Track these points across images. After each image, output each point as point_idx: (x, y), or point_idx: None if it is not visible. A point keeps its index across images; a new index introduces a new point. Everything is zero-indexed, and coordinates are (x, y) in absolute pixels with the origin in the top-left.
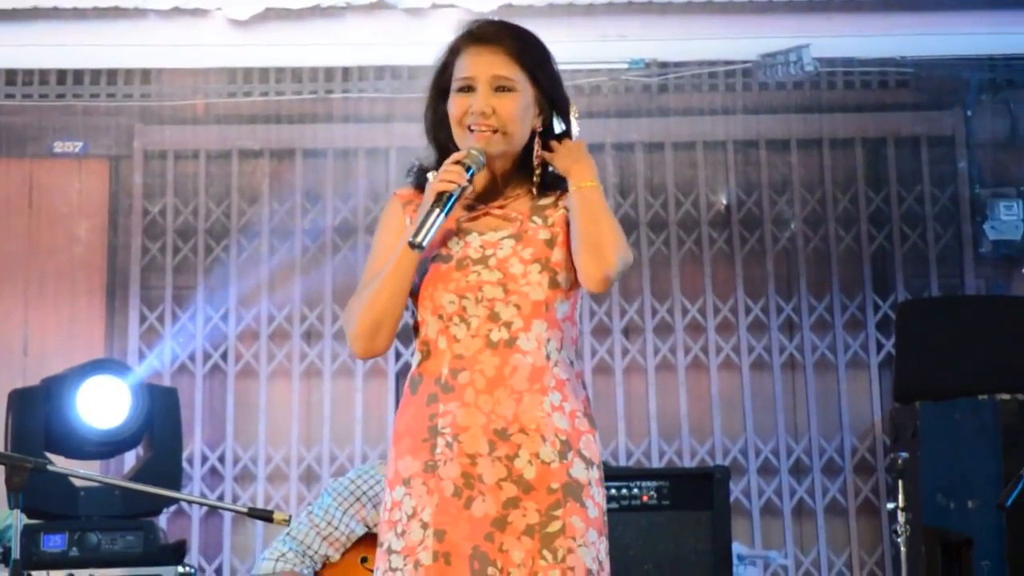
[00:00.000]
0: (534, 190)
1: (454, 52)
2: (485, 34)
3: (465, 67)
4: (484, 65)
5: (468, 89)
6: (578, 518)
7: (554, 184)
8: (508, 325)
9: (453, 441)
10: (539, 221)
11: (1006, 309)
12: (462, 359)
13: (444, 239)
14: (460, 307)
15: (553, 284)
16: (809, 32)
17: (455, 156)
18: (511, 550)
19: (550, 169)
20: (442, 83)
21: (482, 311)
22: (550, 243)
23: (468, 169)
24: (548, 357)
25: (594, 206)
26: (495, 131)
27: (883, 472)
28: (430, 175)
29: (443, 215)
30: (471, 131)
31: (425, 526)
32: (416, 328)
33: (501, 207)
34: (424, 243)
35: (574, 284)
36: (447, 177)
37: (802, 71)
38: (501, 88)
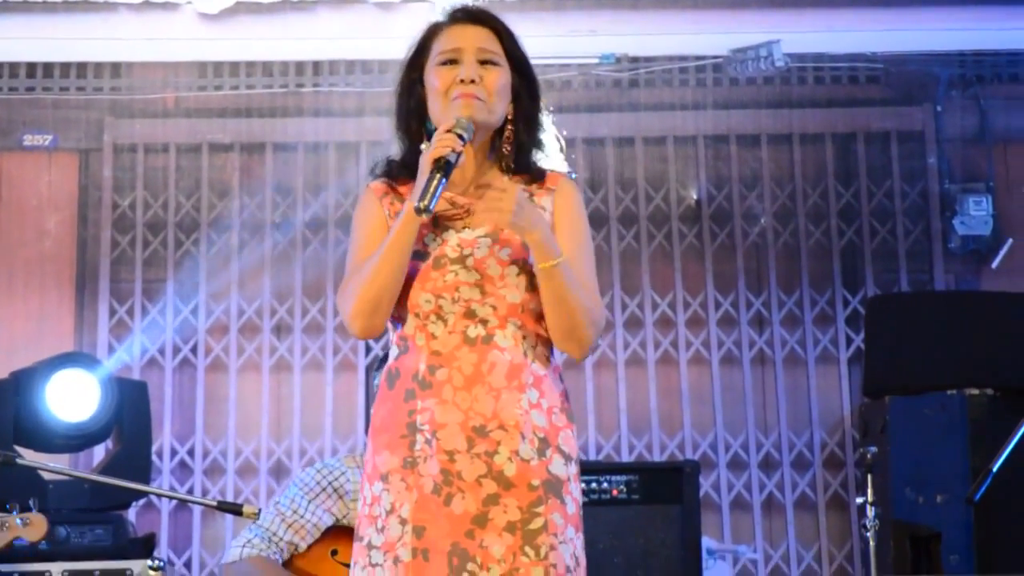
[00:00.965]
0: (506, 177)
1: (433, 32)
2: (468, 12)
3: (450, 40)
4: (470, 37)
5: (453, 62)
6: (559, 515)
7: (527, 169)
8: (484, 322)
9: (432, 438)
10: None
11: (975, 304)
12: (439, 356)
13: (422, 234)
14: (436, 306)
15: (531, 287)
16: (779, 27)
17: (445, 126)
18: (491, 546)
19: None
20: (419, 63)
21: (458, 309)
22: (526, 244)
23: (460, 137)
24: (525, 354)
25: (559, 288)
26: (479, 98)
27: (852, 466)
28: (423, 147)
29: (445, 180)
30: (455, 100)
31: (404, 522)
32: (394, 321)
33: (479, 200)
34: (431, 207)
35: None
36: (443, 143)
37: (772, 66)
38: (487, 61)
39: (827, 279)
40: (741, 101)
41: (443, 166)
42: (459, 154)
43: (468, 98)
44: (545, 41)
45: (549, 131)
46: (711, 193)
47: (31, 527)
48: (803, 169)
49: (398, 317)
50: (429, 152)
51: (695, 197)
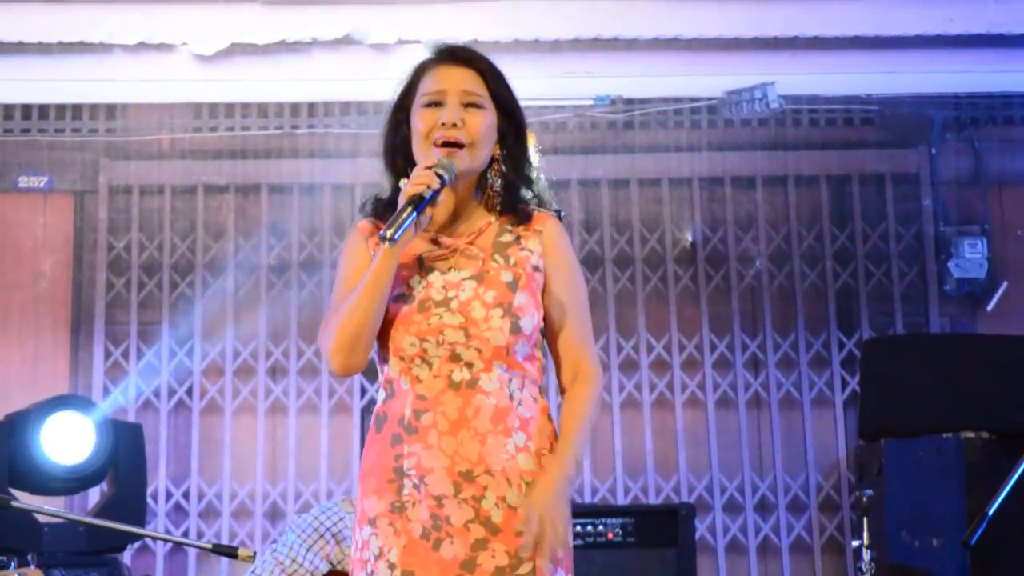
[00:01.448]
0: (492, 218)
1: (420, 72)
2: (454, 54)
3: (434, 82)
4: (455, 80)
5: (437, 104)
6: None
7: (512, 210)
8: (469, 366)
9: (420, 483)
10: (501, 261)
11: (970, 347)
12: (425, 400)
13: (406, 276)
14: (421, 349)
15: (515, 329)
16: (774, 69)
17: (425, 163)
18: None
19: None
20: (406, 103)
21: (443, 352)
22: (512, 286)
23: (440, 177)
24: (511, 397)
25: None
26: (462, 146)
27: (848, 509)
28: (402, 183)
29: (415, 214)
30: (437, 147)
31: (392, 567)
32: (381, 364)
33: (465, 243)
34: (397, 236)
35: (536, 327)
36: (420, 180)
37: (767, 108)
38: (470, 104)
39: (822, 321)
40: (736, 143)
41: (416, 201)
42: (436, 191)
43: (449, 142)
44: (540, 82)
45: (539, 170)
46: (706, 235)
47: None
48: (798, 211)
49: (384, 359)
50: (407, 188)
51: (690, 239)
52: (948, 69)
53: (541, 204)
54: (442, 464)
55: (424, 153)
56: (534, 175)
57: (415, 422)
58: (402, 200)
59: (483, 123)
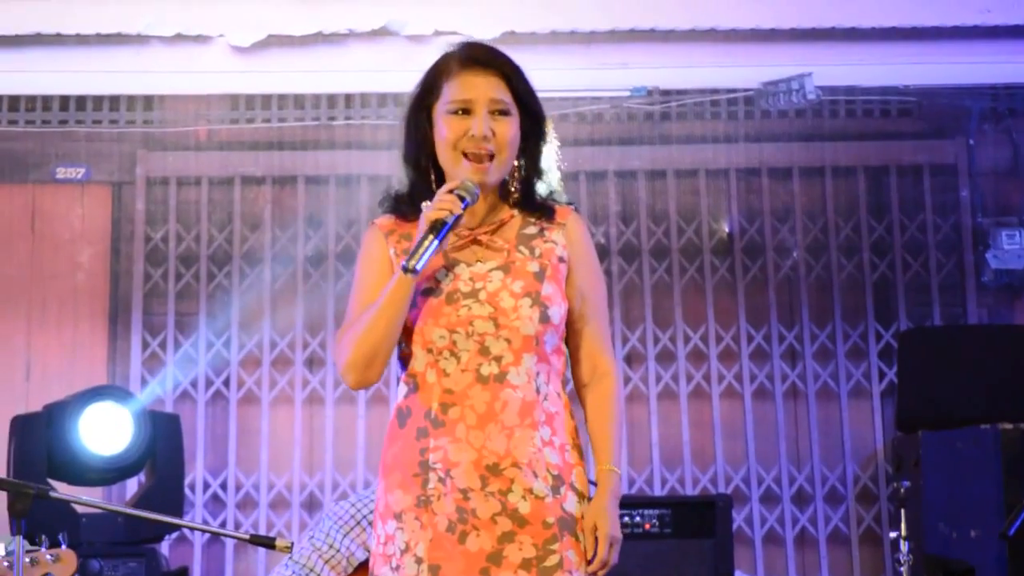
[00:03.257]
0: (515, 211)
1: (443, 74)
2: (478, 57)
3: (461, 89)
4: (482, 88)
5: (464, 112)
6: (573, 552)
7: (534, 206)
8: (498, 359)
9: (446, 476)
10: (526, 252)
11: (1008, 338)
12: (452, 394)
13: (432, 271)
14: (451, 342)
15: (544, 318)
16: (811, 60)
17: (449, 186)
18: None
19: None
20: (427, 103)
21: (472, 345)
22: (539, 276)
23: (462, 200)
24: (538, 391)
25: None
26: (491, 157)
27: (885, 501)
28: (424, 205)
29: (437, 241)
30: (466, 157)
31: (419, 561)
32: (402, 359)
33: (487, 234)
34: (419, 267)
35: (563, 317)
36: (442, 206)
37: (804, 99)
38: (498, 111)
39: (860, 312)
40: (773, 134)
41: (439, 227)
42: (457, 216)
43: (480, 154)
44: (576, 74)
45: (552, 162)
46: (743, 226)
47: (61, 563)
48: (835, 202)
49: (407, 354)
50: (428, 211)
51: (727, 230)
52: (986, 60)
53: (552, 197)
54: (469, 458)
55: (451, 160)
56: (550, 169)
57: (442, 416)
58: (423, 224)
59: (511, 131)
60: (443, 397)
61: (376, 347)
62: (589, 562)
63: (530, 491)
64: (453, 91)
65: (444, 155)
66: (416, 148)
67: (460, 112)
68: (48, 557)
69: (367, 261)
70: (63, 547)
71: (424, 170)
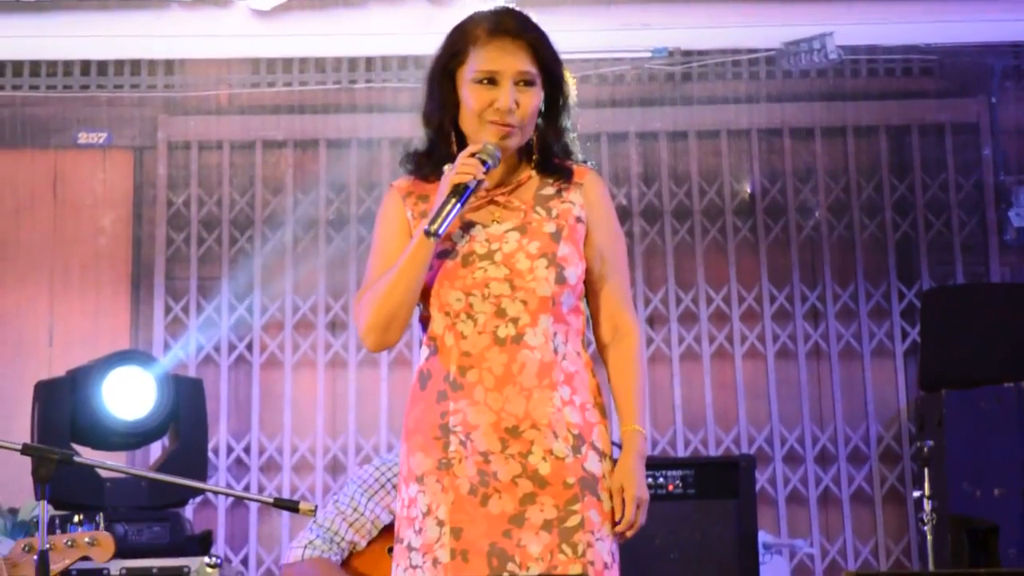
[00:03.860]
0: (532, 172)
1: (471, 39)
2: (507, 27)
3: (488, 59)
4: (509, 59)
5: (491, 82)
6: (595, 511)
7: (552, 167)
8: (515, 321)
9: (466, 439)
10: (543, 213)
11: None
12: (470, 356)
13: (449, 233)
14: (467, 304)
15: (560, 279)
16: (832, 20)
17: (470, 149)
18: (529, 545)
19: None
20: (451, 66)
21: (489, 307)
22: (556, 236)
23: (484, 163)
24: (556, 351)
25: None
26: (514, 127)
27: (908, 460)
28: (446, 168)
29: (460, 205)
30: (488, 124)
31: (441, 524)
32: (423, 322)
33: (504, 195)
34: (440, 231)
35: (580, 277)
36: (464, 169)
37: (826, 59)
38: (523, 83)
39: (882, 272)
40: (794, 94)
41: (461, 191)
42: (479, 181)
43: (504, 126)
44: (597, 35)
45: (572, 124)
46: (765, 186)
47: (99, 547)
48: (857, 162)
49: (427, 316)
50: (450, 175)
51: (749, 191)
52: (1008, 17)
53: (568, 155)
54: (488, 420)
55: (475, 128)
56: (571, 132)
57: (460, 379)
58: (445, 186)
59: (534, 103)
60: (461, 360)
61: (395, 310)
62: (616, 523)
63: (550, 452)
64: (480, 60)
65: (468, 122)
66: (440, 111)
67: (486, 82)
68: (86, 540)
69: (385, 223)
70: (101, 529)
71: (445, 133)
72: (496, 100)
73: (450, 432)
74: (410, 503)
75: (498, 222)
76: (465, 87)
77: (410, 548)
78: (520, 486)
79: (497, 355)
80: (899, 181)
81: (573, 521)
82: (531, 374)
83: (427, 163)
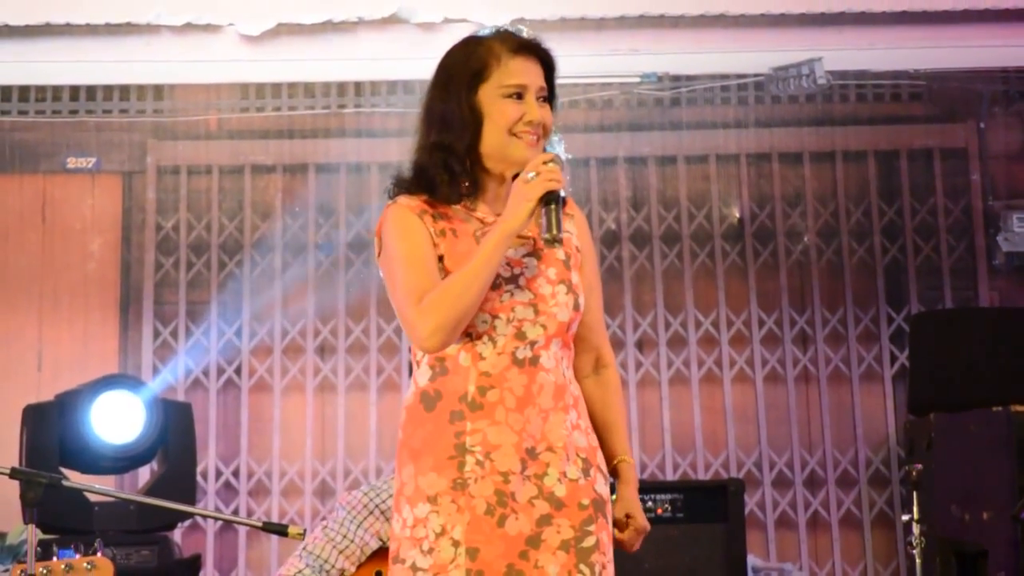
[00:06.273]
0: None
1: (493, 56)
2: (528, 45)
3: (517, 74)
4: (534, 75)
5: (518, 96)
6: (606, 534)
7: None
8: (532, 344)
9: (485, 459)
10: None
11: (1020, 321)
12: (489, 376)
13: (467, 256)
14: (491, 326)
15: (576, 306)
16: (821, 45)
17: (543, 157)
18: (546, 566)
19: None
20: (475, 84)
21: (511, 330)
22: (567, 264)
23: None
24: (564, 375)
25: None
26: (538, 139)
27: (897, 484)
28: (522, 178)
29: (561, 209)
30: (516, 137)
31: (456, 544)
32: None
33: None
34: (562, 234)
35: (581, 306)
36: (552, 176)
37: (814, 84)
38: (542, 98)
39: (871, 296)
40: (783, 119)
41: (555, 198)
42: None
43: (533, 140)
44: (587, 60)
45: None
46: (754, 211)
47: (97, 571)
48: (846, 187)
49: None
50: (536, 183)
51: (738, 215)
52: (996, 43)
53: None
54: (510, 440)
55: (502, 144)
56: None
57: (480, 399)
58: (529, 191)
59: (551, 118)
60: (480, 380)
61: (471, 307)
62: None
63: (564, 475)
64: (509, 74)
65: (494, 137)
66: (466, 130)
67: (515, 96)
68: (85, 565)
69: (410, 234)
70: (99, 554)
71: (461, 154)
72: (525, 113)
73: (467, 452)
74: (416, 523)
75: (514, 248)
76: (492, 102)
77: (415, 568)
78: (537, 507)
79: (517, 376)
80: (888, 206)
81: (589, 542)
82: (548, 396)
83: (446, 183)
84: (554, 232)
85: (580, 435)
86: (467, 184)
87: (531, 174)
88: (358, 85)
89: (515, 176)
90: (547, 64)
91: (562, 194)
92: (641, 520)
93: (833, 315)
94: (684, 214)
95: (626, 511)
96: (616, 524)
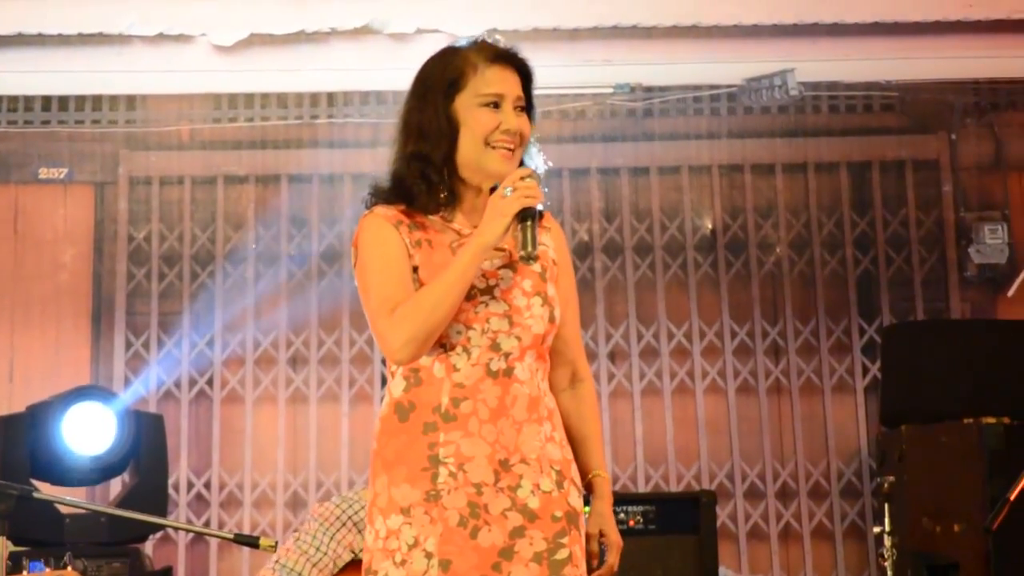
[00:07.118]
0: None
1: (468, 65)
2: (505, 55)
3: (493, 83)
4: (511, 84)
5: (495, 105)
6: (579, 547)
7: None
8: (507, 355)
9: (458, 471)
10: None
11: (991, 333)
12: (463, 388)
13: (443, 266)
14: (465, 337)
15: (551, 318)
16: (794, 56)
17: (520, 172)
18: None
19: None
20: (451, 93)
21: (485, 342)
22: (543, 276)
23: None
24: (539, 387)
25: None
26: (515, 151)
27: (869, 496)
28: (499, 194)
29: (538, 224)
30: (492, 148)
31: (429, 556)
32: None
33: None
34: (537, 253)
35: (557, 319)
36: (530, 192)
37: (787, 95)
38: (519, 108)
39: (843, 308)
40: (756, 130)
41: (531, 214)
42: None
43: (507, 149)
44: (560, 71)
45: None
46: (726, 222)
47: None
48: (818, 198)
49: None
50: (513, 199)
51: (710, 226)
52: (968, 55)
53: None
54: (483, 452)
55: (477, 154)
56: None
57: (454, 410)
58: (505, 207)
59: (528, 129)
60: (454, 391)
61: (444, 320)
62: (595, 566)
63: (538, 487)
64: (486, 83)
65: (470, 147)
66: (444, 139)
67: (491, 105)
68: None
69: (384, 245)
70: (69, 567)
71: (439, 164)
72: (502, 122)
73: (440, 463)
74: (389, 535)
75: (489, 259)
76: (468, 111)
77: None
78: (510, 519)
79: (491, 387)
80: (860, 217)
81: (562, 554)
82: (522, 407)
83: (424, 193)
84: (529, 249)
85: (554, 447)
86: (445, 194)
87: (508, 189)
88: (331, 95)
89: (492, 189)
90: (524, 74)
91: (539, 208)
92: (614, 536)
93: (805, 326)
94: (656, 225)
95: (599, 526)
96: (588, 539)
